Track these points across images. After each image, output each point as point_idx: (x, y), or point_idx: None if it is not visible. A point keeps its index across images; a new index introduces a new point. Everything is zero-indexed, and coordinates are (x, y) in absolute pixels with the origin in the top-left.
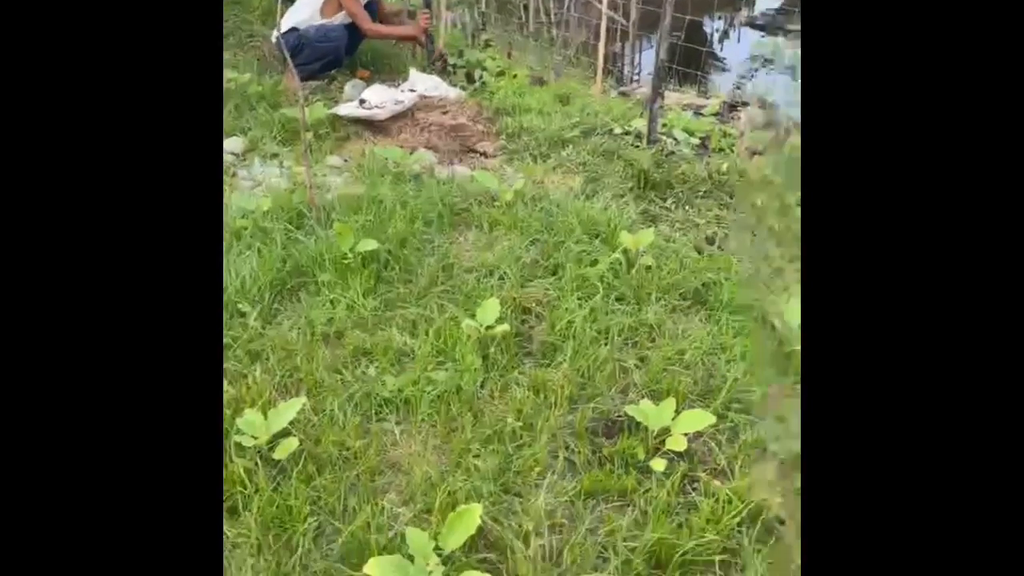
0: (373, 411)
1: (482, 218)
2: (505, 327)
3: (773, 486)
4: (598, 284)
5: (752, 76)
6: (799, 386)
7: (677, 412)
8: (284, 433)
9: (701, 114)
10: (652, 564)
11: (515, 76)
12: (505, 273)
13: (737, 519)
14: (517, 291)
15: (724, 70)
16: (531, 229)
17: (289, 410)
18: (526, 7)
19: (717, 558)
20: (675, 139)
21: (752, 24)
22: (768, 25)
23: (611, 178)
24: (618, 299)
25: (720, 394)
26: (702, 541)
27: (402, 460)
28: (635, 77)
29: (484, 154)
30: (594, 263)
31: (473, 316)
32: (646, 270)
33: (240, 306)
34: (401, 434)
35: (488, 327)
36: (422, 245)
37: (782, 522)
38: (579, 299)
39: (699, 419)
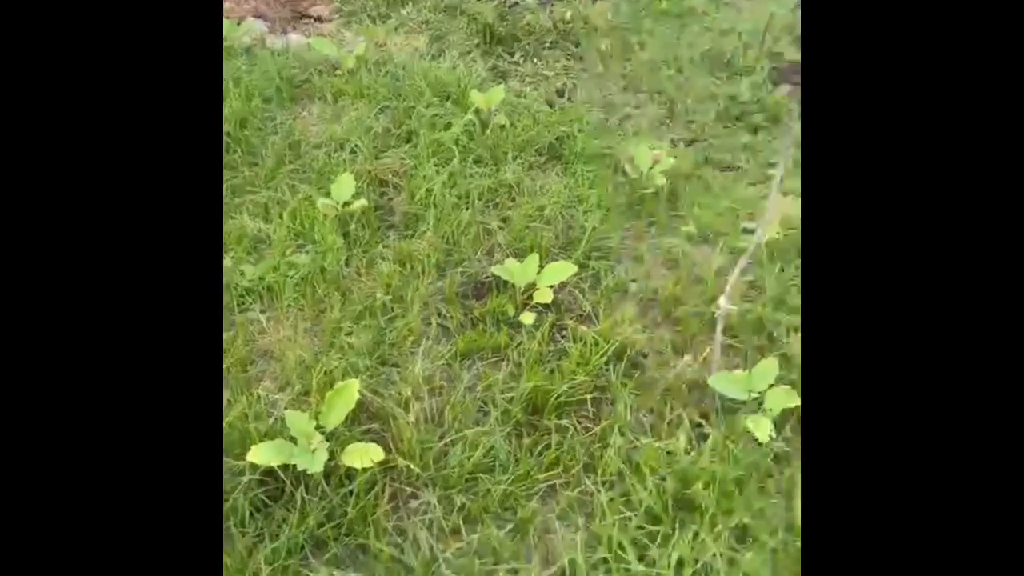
0: (235, 302)
1: (325, 89)
2: (363, 202)
3: (635, 323)
4: (454, 148)
5: None
6: (652, 228)
7: (541, 266)
8: None
9: None
10: (529, 411)
11: None
12: (356, 146)
13: (604, 359)
14: (371, 163)
15: None
16: (378, 96)
17: None
18: None
19: (589, 396)
20: None
21: None
22: None
23: (456, 35)
24: (475, 161)
25: (580, 244)
26: (574, 383)
27: (273, 347)
28: None
29: (318, 19)
30: (448, 127)
31: (328, 194)
32: (500, 129)
33: None
34: (268, 322)
35: (345, 204)
36: (263, 124)
37: (645, 355)
38: (436, 165)
39: (562, 270)
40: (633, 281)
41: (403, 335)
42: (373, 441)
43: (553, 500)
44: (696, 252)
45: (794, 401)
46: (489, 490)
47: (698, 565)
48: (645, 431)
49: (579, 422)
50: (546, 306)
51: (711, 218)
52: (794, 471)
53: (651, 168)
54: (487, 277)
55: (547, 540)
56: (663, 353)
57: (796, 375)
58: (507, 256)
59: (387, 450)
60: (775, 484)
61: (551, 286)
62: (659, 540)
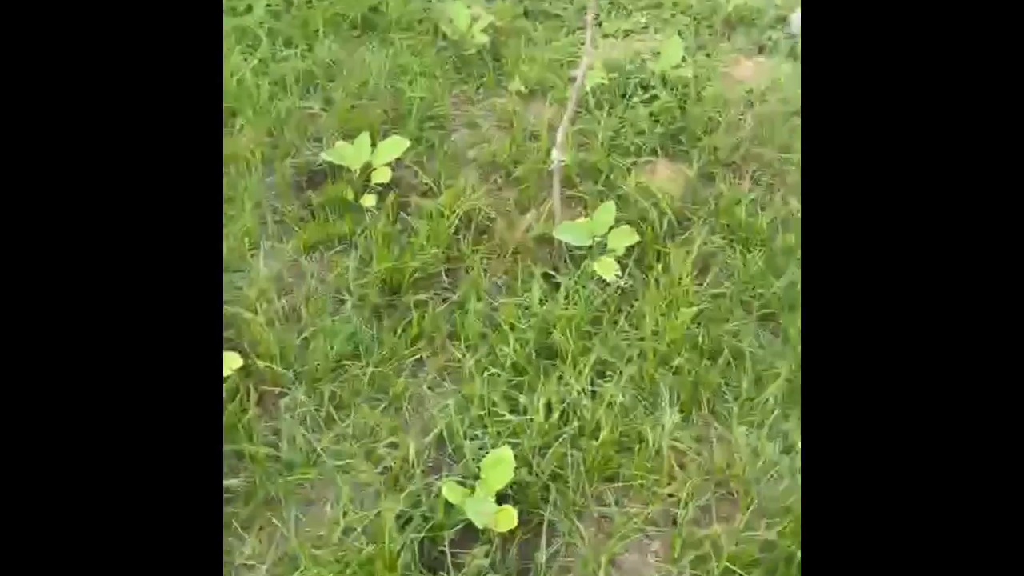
0: None
1: None
2: None
3: (478, 189)
4: (259, 32)
5: None
6: (481, 89)
7: (374, 145)
8: None
9: None
10: (386, 292)
11: None
12: None
13: (453, 229)
14: None
15: None
16: None
17: None
18: None
19: (443, 268)
20: None
21: None
22: None
23: None
24: (286, 44)
25: (411, 117)
26: (426, 258)
27: None
28: None
29: None
30: (249, 9)
31: None
32: (307, 5)
33: None
34: None
35: None
36: None
37: (492, 219)
38: (243, 53)
39: (396, 146)
40: (470, 147)
41: (240, 239)
42: (228, 350)
43: (422, 372)
44: (527, 109)
45: (634, 238)
46: (357, 375)
47: (565, 404)
48: (501, 291)
49: (437, 294)
50: (386, 185)
51: (538, 72)
52: (642, 303)
53: (471, 27)
54: (319, 165)
55: (422, 411)
56: (509, 213)
57: (633, 214)
58: (337, 139)
59: (245, 356)
60: (626, 318)
61: (388, 164)
62: (526, 389)
